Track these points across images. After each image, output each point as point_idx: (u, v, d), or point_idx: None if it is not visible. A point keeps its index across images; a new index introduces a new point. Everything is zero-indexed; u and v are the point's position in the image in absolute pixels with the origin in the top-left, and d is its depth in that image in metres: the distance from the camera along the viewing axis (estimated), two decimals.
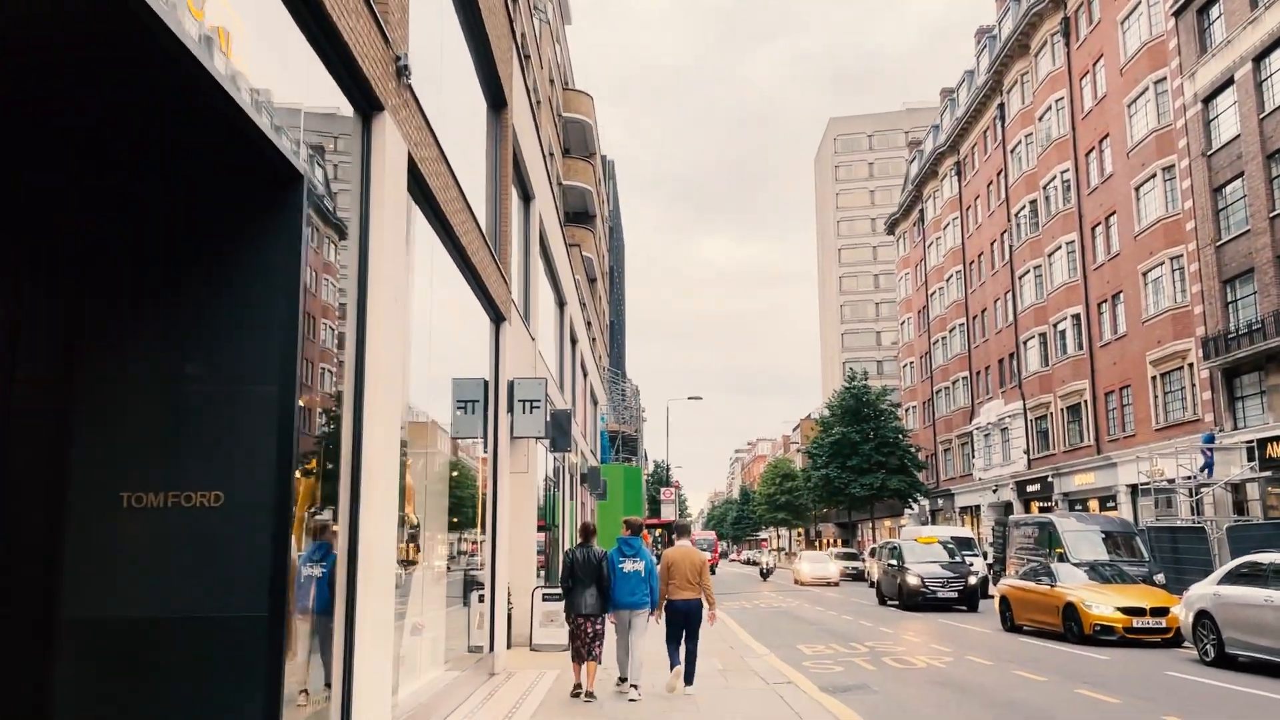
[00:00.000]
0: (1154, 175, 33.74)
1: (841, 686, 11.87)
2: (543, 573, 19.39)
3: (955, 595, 24.00)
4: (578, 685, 10.38)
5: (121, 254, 4.83)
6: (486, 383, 12.07)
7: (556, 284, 21.10)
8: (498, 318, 12.06)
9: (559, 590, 14.59)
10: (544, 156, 18.83)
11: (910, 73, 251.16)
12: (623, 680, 10.76)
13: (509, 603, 14.26)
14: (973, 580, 24.04)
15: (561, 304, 22.80)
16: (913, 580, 24.08)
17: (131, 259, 4.82)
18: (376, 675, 6.10)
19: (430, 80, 8.46)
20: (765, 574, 49.97)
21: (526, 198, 15.82)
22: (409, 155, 6.95)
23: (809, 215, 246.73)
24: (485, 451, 12.18)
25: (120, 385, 4.76)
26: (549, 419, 15.60)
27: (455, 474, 11.20)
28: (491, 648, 11.73)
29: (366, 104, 6.18)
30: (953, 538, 30.25)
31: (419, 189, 7.59)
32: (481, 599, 12.35)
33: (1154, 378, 33.81)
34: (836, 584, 40.94)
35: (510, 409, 12.49)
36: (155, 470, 4.69)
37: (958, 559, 25.93)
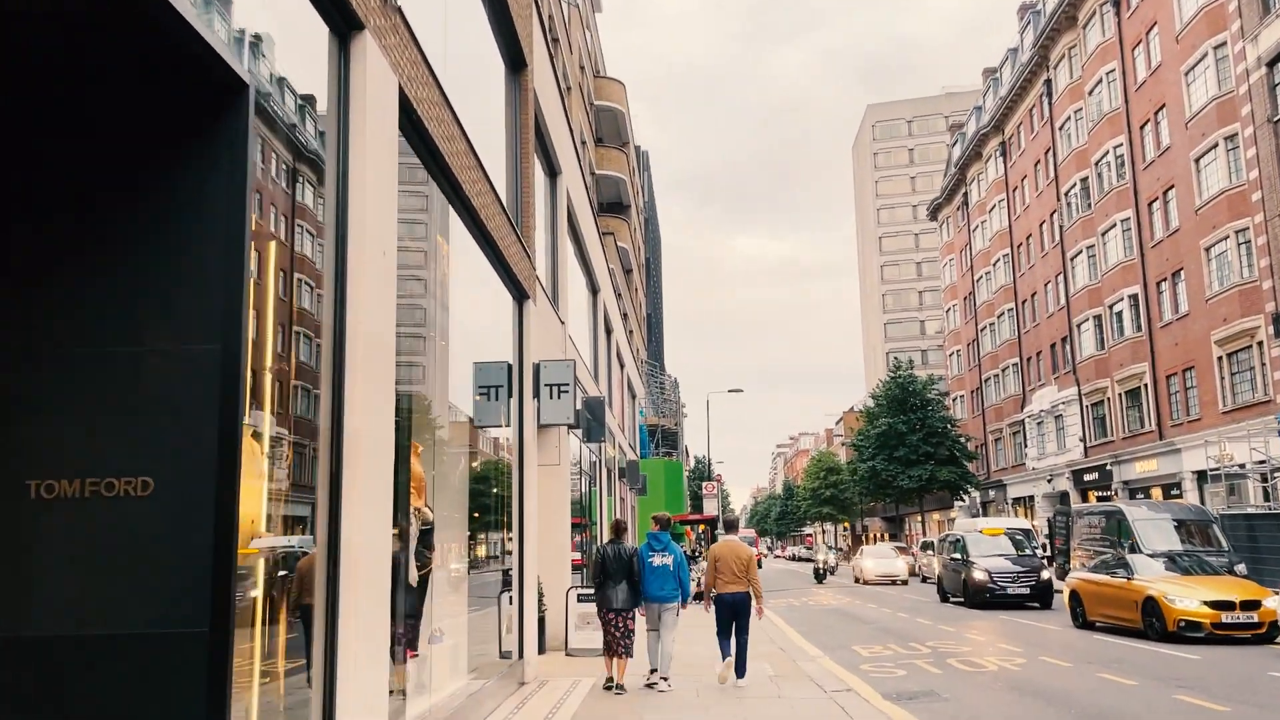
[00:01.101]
0: (1215, 145, 32.01)
1: (906, 694, 10.75)
2: (580, 572, 18.44)
3: (1027, 591, 22.37)
4: (609, 679, 10.60)
5: (19, 194, 3.89)
6: (510, 366, 11.12)
7: (589, 268, 20.12)
8: (520, 295, 11.10)
9: (592, 591, 13.72)
10: (572, 135, 17.86)
11: (941, 65, 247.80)
12: (653, 672, 10.81)
13: (541, 605, 13.31)
14: (1045, 575, 22.49)
15: (595, 291, 21.83)
16: (979, 575, 22.50)
17: (32, 199, 3.88)
18: (366, 694, 5.14)
19: (432, 21, 7.51)
20: (822, 575, 40.17)
21: (553, 172, 14.85)
22: (400, 90, 5.99)
23: (845, 208, 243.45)
24: (511, 441, 11.24)
25: (22, 349, 3.83)
26: (580, 406, 14.63)
27: (477, 466, 10.26)
28: (521, 654, 10.78)
29: (342, 21, 5.22)
30: (1014, 529, 28.65)
31: (417, 135, 6.63)
32: (512, 601, 11.42)
33: (1220, 358, 32.08)
34: (905, 582, 36.51)
35: (536, 394, 11.53)
36: (69, 452, 3.76)
37: (1027, 551, 24.37)
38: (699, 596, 20.19)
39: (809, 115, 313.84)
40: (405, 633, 8.06)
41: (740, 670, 10.78)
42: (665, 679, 10.57)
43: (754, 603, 10.77)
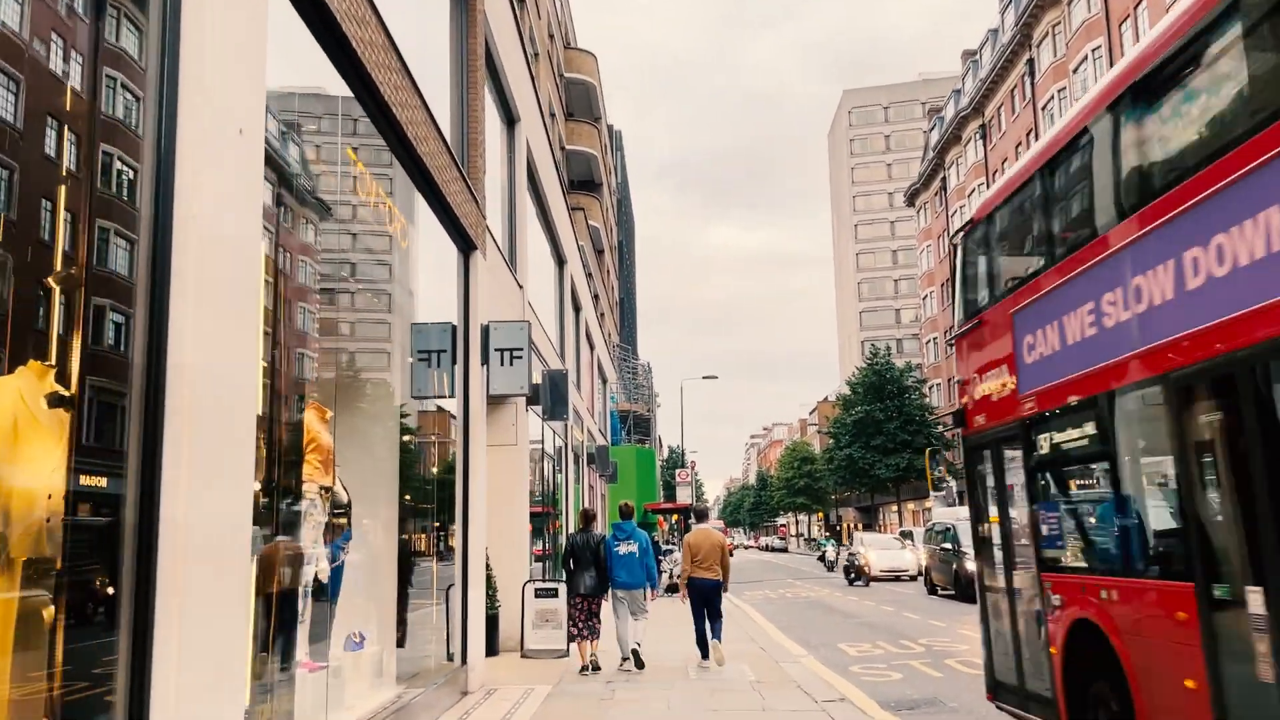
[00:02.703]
0: None
1: (907, 702, 9.41)
2: (544, 564, 16.99)
3: None
4: (584, 665, 10.87)
5: None
6: (454, 328, 9.64)
7: (554, 236, 18.62)
8: (466, 245, 9.61)
9: (554, 586, 12.28)
10: (534, 81, 16.34)
11: (917, 55, 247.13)
12: (625, 660, 11.09)
13: (494, 601, 11.86)
14: None
15: (561, 262, 20.34)
16: (974, 567, 21.10)
17: None
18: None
19: None
20: (833, 566, 37.64)
21: (510, 119, 13.34)
22: None
23: (820, 199, 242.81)
24: (454, 415, 9.76)
25: None
26: (542, 379, 13.16)
27: (408, 440, 8.77)
28: (464, 659, 9.31)
29: None
30: None
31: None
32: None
33: None
34: (914, 578, 29.90)
35: (485, 359, 10.05)
36: None
37: None
38: (672, 589, 18.78)
39: (785, 106, 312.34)
40: (310, 639, 6.60)
41: (717, 635, 11.18)
42: (636, 656, 10.90)
43: (725, 583, 11.45)
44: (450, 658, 9.42)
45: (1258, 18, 4.64)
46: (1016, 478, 7.40)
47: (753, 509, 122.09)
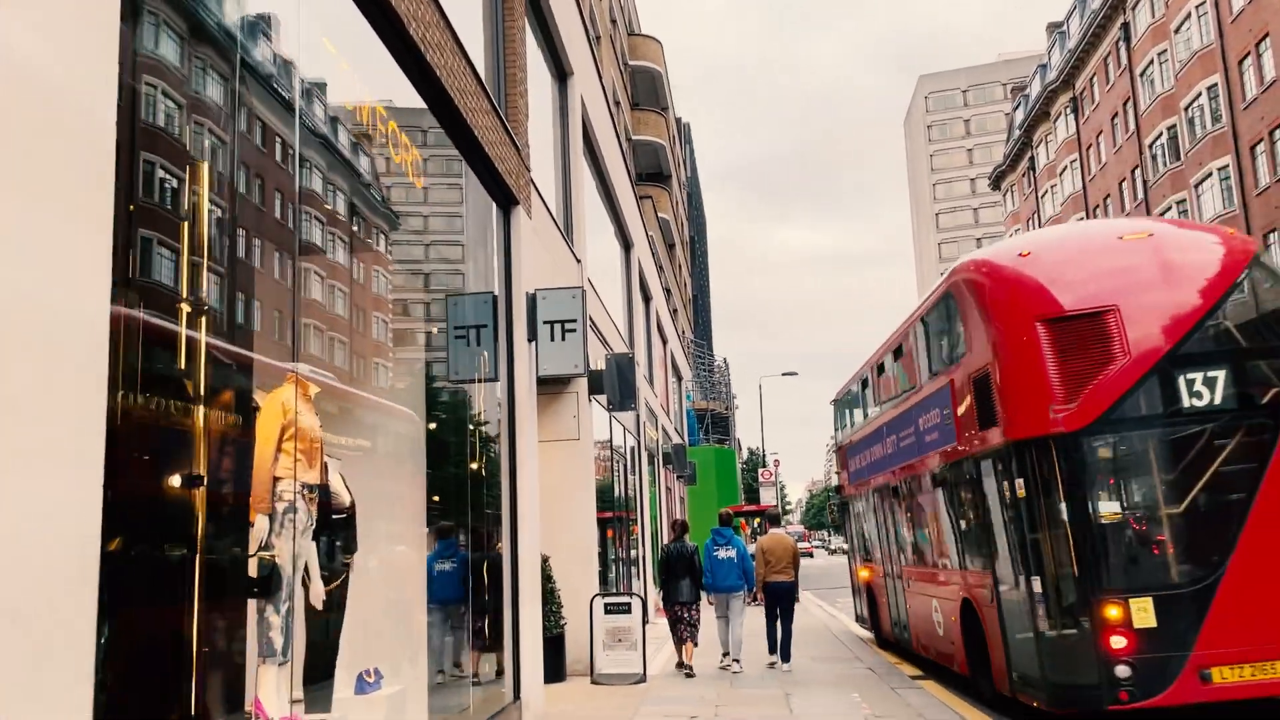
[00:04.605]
0: None
1: None
2: (620, 572, 15.44)
3: None
4: (680, 662, 11.57)
5: None
6: (495, 298, 8.13)
7: (617, 213, 17.06)
8: (505, 199, 8.09)
9: (626, 600, 10.72)
10: (593, 56, 14.83)
11: (977, 50, 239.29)
12: (725, 655, 11.82)
13: (558, 619, 10.33)
14: None
15: (627, 246, 18.79)
16: None
17: None
18: None
19: None
20: None
21: (562, 73, 11.82)
22: None
23: (889, 196, 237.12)
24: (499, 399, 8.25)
25: None
26: (606, 365, 11.60)
27: (438, 430, 7.25)
28: (517, 691, 7.76)
29: None
30: None
31: None
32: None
33: None
34: None
35: (532, 335, 8.51)
36: None
37: None
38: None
39: (842, 106, 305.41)
40: (306, 680, 5.13)
41: (786, 656, 11.84)
42: (738, 660, 11.64)
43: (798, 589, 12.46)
44: (502, 679, 7.91)
45: (900, 351, 11.74)
46: (851, 517, 16.18)
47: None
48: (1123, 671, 7.04)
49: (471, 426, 7.88)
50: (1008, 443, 8.04)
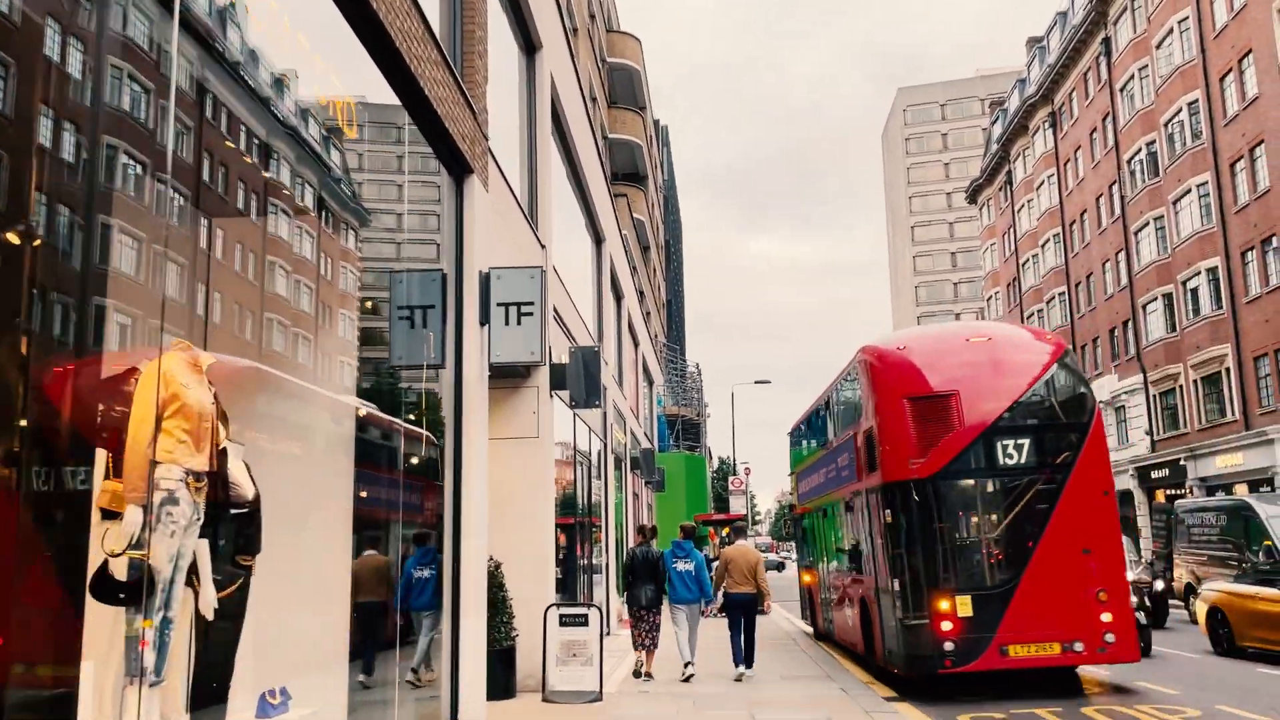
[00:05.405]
0: None
1: None
2: (581, 580, 14.68)
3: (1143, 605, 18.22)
4: (641, 672, 11.67)
5: None
6: (444, 276, 7.39)
7: (589, 206, 16.34)
8: (458, 166, 7.35)
9: (582, 612, 9.98)
10: (575, 70, 14.12)
11: (960, 64, 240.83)
12: (687, 665, 11.85)
13: (510, 630, 9.56)
14: (1159, 585, 18.32)
15: (599, 240, 18.07)
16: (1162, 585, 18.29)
17: None
18: None
19: None
20: None
21: (530, 46, 11.09)
22: None
23: (865, 210, 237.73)
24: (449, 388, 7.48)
25: None
26: (570, 358, 10.86)
27: (368, 417, 6.47)
28: (454, 712, 6.98)
29: None
30: None
31: None
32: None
33: None
34: None
35: (485, 318, 7.75)
36: None
37: (1133, 557, 20.14)
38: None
39: (823, 119, 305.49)
40: (192, 704, 4.36)
41: (749, 662, 12.07)
42: (689, 663, 11.82)
43: (765, 600, 12.46)
44: (439, 698, 7.14)
45: (829, 403, 15.23)
46: (800, 532, 19.53)
47: None
48: (949, 646, 10.18)
49: (414, 417, 7.13)
50: (883, 483, 11.24)
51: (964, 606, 10.23)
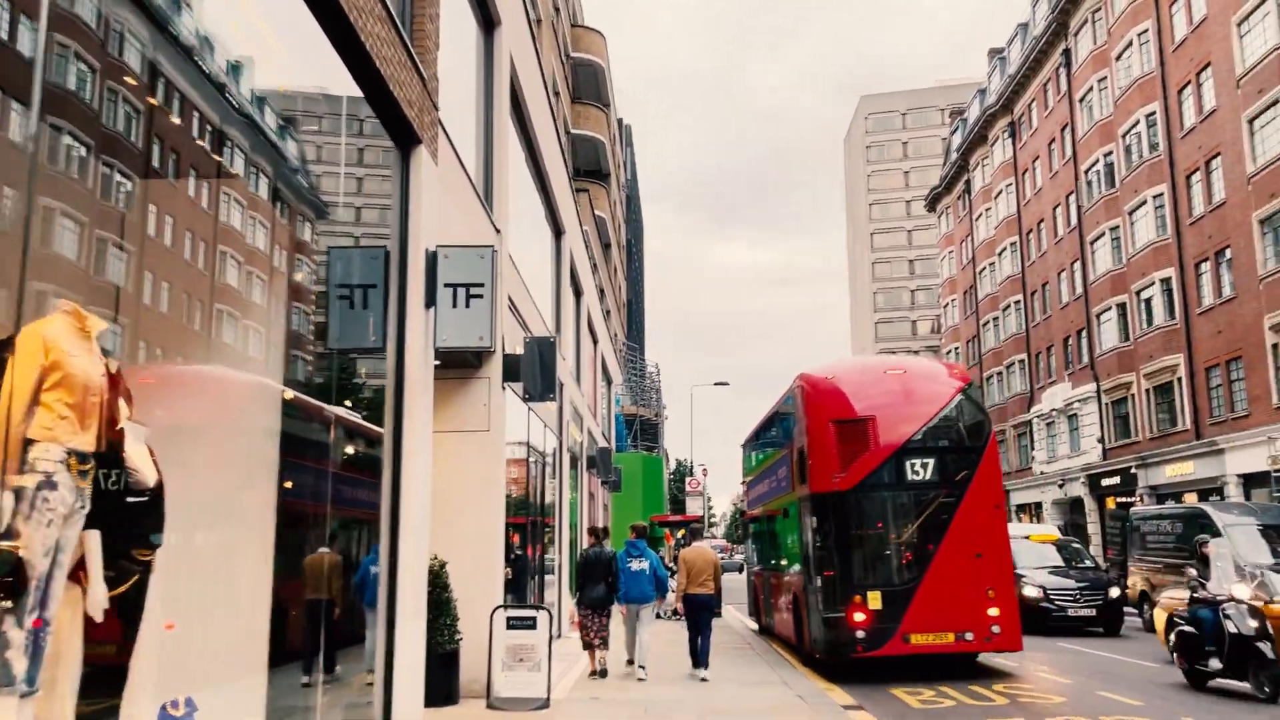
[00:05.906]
0: (1275, 103, 28.14)
1: None
2: (532, 583, 14.18)
3: (1092, 613, 17.89)
4: (594, 670, 11.99)
5: None
6: (387, 254, 6.89)
7: (549, 196, 15.87)
8: (405, 136, 6.86)
9: (530, 614, 9.51)
10: (538, 55, 13.65)
11: (925, 78, 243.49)
12: (630, 663, 12.38)
13: (454, 633, 9.06)
14: (1114, 592, 18.19)
15: (559, 233, 17.60)
16: (1031, 592, 17.75)
17: None
18: None
19: None
20: None
21: (488, 22, 10.61)
22: None
23: (828, 219, 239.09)
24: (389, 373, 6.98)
25: None
26: (525, 348, 10.38)
27: (295, 401, 5.96)
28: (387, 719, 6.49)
29: None
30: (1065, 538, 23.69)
31: None
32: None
33: (1275, 345, 28.19)
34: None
35: (431, 300, 7.27)
36: None
37: (1086, 563, 19.96)
38: (678, 612, 16.36)
39: (788, 129, 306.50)
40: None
41: (705, 661, 12.21)
42: (642, 667, 11.99)
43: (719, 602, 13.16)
44: (372, 705, 6.64)
45: (772, 421, 17.25)
46: (749, 535, 21.11)
47: None
48: (860, 635, 11.90)
49: (350, 404, 6.62)
50: (810, 494, 13.05)
51: (875, 601, 11.93)
